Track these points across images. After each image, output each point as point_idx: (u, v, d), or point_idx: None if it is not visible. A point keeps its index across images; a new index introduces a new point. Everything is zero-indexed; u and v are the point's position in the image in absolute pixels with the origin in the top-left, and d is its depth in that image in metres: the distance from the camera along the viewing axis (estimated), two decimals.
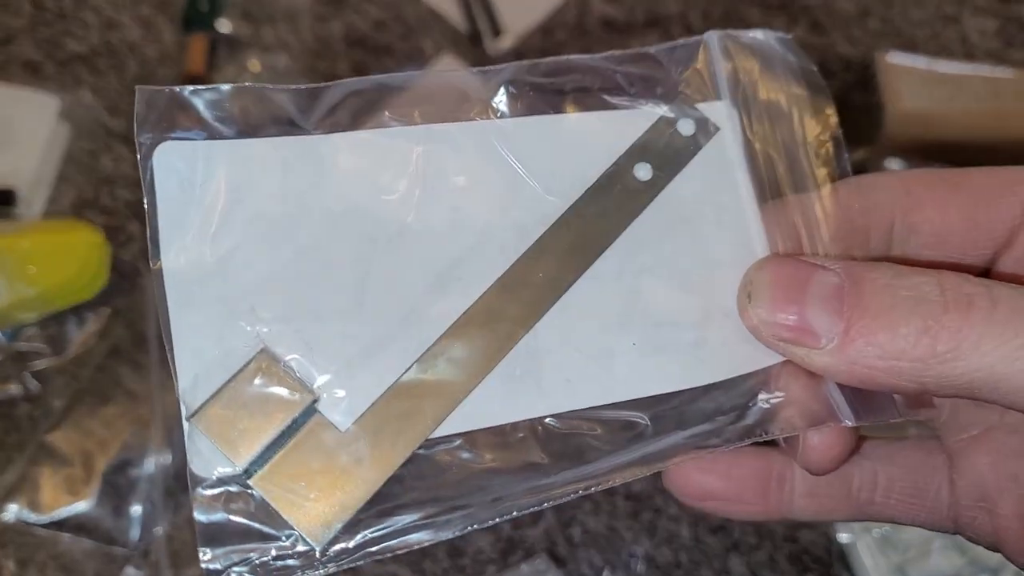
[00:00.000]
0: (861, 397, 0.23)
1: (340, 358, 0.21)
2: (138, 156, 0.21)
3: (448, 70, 0.23)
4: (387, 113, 0.23)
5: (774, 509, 0.25)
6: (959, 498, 0.25)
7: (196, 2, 0.58)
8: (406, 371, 0.21)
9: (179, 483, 0.45)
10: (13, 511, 0.42)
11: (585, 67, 0.24)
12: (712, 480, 0.25)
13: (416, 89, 0.23)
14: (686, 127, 0.25)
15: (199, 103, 0.22)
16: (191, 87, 0.22)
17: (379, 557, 0.20)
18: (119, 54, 0.57)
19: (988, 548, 0.25)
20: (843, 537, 0.45)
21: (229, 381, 0.20)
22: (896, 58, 0.52)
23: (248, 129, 0.22)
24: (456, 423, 0.21)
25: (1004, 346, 0.19)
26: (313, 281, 0.21)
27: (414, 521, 0.21)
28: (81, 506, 0.43)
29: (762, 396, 0.23)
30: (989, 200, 0.23)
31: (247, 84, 0.22)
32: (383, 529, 0.20)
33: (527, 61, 0.24)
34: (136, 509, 0.44)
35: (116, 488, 0.44)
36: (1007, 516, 0.24)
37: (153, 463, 0.45)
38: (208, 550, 0.19)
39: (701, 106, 0.25)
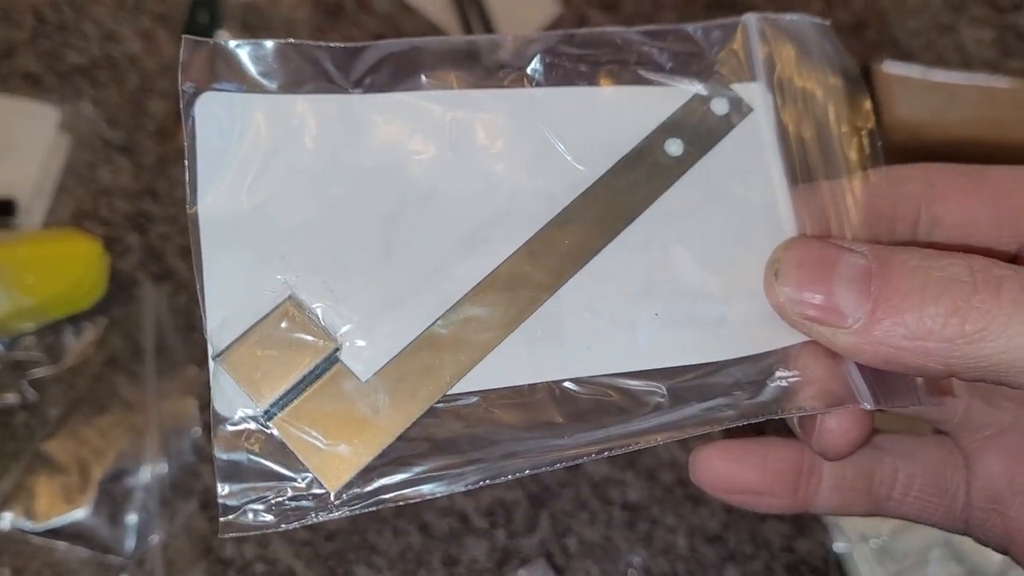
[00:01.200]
0: (881, 381, 0.23)
1: (364, 310, 0.21)
2: (181, 104, 0.22)
3: (484, 36, 0.23)
4: (424, 77, 0.23)
5: (799, 503, 0.25)
6: (972, 499, 0.25)
7: (196, 14, 0.58)
8: (428, 327, 0.21)
9: (175, 492, 0.45)
10: (9, 519, 0.42)
11: (621, 40, 0.25)
12: (745, 472, 0.25)
13: (453, 54, 0.23)
14: (720, 106, 0.25)
15: (242, 57, 0.22)
16: (235, 41, 0.22)
17: (391, 504, 0.20)
18: (119, 66, 0.57)
19: (997, 550, 0.25)
20: (839, 547, 0.45)
21: (256, 325, 0.21)
22: (891, 67, 0.53)
23: (288, 85, 0.22)
24: (475, 380, 0.22)
25: None
26: (342, 235, 0.22)
27: (427, 472, 0.21)
28: (77, 515, 0.43)
29: (780, 374, 0.23)
30: (1013, 195, 0.23)
31: (290, 40, 0.22)
32: (397, 478, 0.21)
33: (563, 31, 0.24)
34: (132, 518, 0.44)
35: (112, 497, 0.44)
36: (1018, 519, 0.24)
37: (149, 472, 0.45)
38: (226, 485, 0.20)
39: (736, 86, 0.25)
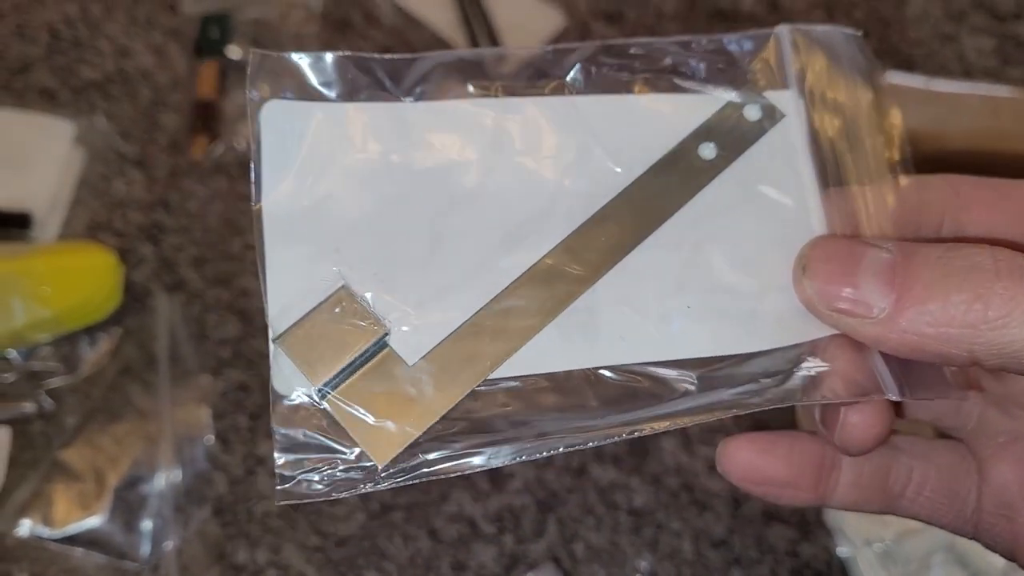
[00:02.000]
0: (908, 372, 0.23)
1: (412, 300, 0.23)
2: (248, 110, 0.23)
3: (526, 48, 0.25)
4: (470, 86, 0.25)
5: (819, 496, 0.26)
6: (983, 504, 0.25)
7: (207, 30, 0.59)
8: (471, 316, 0.23)
9: (188, 498, 0.46)
10: (27, 526, 0.43)
11: (656, 51, 0.26)
12: (772, 464, 0.25)
13: (497, 64, 0.25)
14: (752, 112, 0.26)
15: (304, 68, 0.24)
16: (298, 54, 0.24)
17: (433, 478, 0.22)
18: (132, 81, 0.58)
19: (1004, 556, 0.25)
20: (843, 551, 0.45)
21: (312, 311, 0.22)
22: (893, 77, 0.53)
23: (345, 94, 0.24)
24: (514, 367, 0.23)
25: None
26: (393, 231, 0.23)
27: (466, 448, 0.22)
28: (93, 521, 0.44)
29: (807, 364, 0.24)
30: None
31: (347, 53, 0.24)
32: (438, 453, 0.22)
33: (600, 41, 0.25)
34: (147, 524, 0.45)
35: (127, 504, 0.45)
36: None
37: (163, 479, 0.45)
38: (283, 457, 0.21)
39: (768, 94, 0.26)
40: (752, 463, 0.25)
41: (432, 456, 0.22)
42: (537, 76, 0.25)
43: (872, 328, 0.22)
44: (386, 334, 0.23)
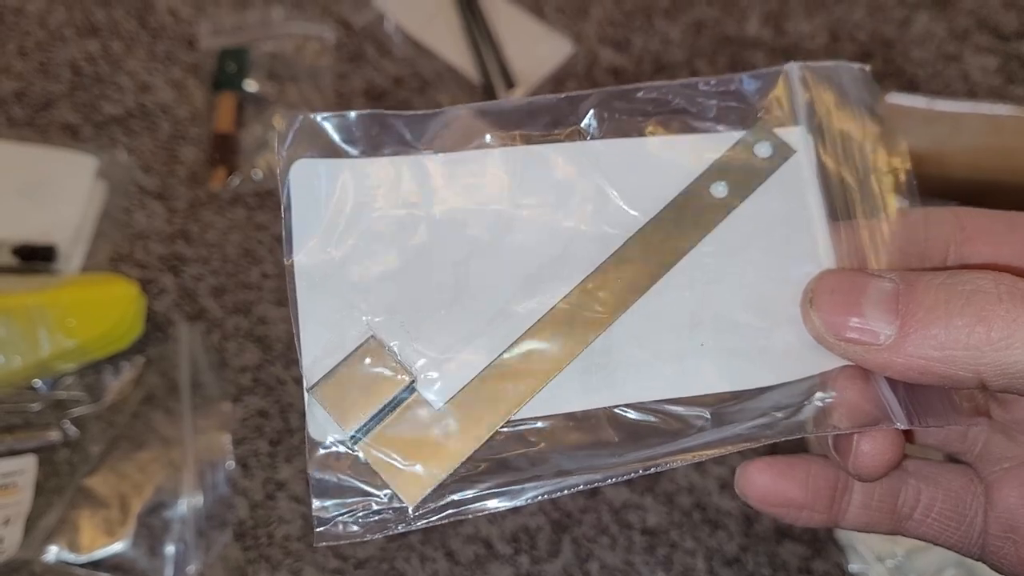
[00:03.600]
0: (915, 400, 0.24)
1: (437, 346, 0.24)
2: (278, 170, 0.25)
3: (541, 97, 0.26)
4: (488, 136, 0.26)
5: (832, 518, 0.27)
6: (989, 527, 0.26)
7: (225, 64, 0.61)
8: (494, 360, 0.24)
9: (210, 523, 0.47)
10: (54, 552, 0.44)
11: (667, 92, 0.27)
12: (791, 487, 0.26)
13: (512, 113, 0.26)
14: (763, 150, 0.27)
15: (328, 127, 0.25)
16: (323, 114, 0.25)
17: (460, 518, 0.23)
18: (152, 115, 0.60)
19: None
20: (855, 568, 0.45)
21: (343, 361, 0.23)
22: (895, 98, 0.54)
23: (369, 149, 0.25)
24: (536, 407, 0.24)
25: None
26: (417, 281, 0.25)
27: (492, 488, 0.23)
28: (118, 547, 0.45)
29: (817, 396, 0.25)
30: None
31: (369, 111, 0.25)
32: (466, 493, 0.23)
33: (613, 88, 0.26)
34: (170, 549, 0.46)
35: (151, 529, 0.46)
36: None
37: (185, 505, 0.46)
38: (319, 501, 0.23)
39: (778, 131, 0.27)
40: (770, 486, 0.26)
41: (459, 496, 0.23)
42: (553, 124, 0.26)
43: (879, 355, 0.22)
44: (413, 381, 0.24)
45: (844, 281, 0.24)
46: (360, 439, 0.23)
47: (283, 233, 0.24)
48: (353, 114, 0.25)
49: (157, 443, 0.48)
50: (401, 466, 0.23)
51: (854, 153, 0.27)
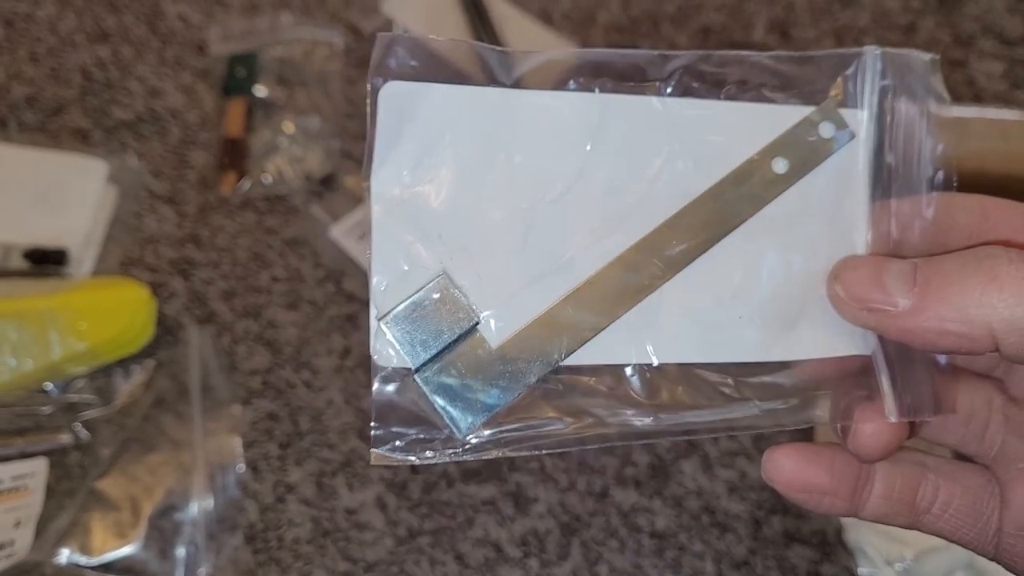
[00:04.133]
0: (907, 392, 0.26)
1: (501, 289, 0.25)
2: (368, 87, 0.25)
3: (633, 51, 0.26)
4: (572, 82, 0.26)
5: (853, 506, 0.27)
6: (1004, 526, 0.26)
7: (234, 69, 0.61)
8: (550, 308, 0.25)
9: (221, 526, 0.47)
10: (65, 554, 0.45)
11: (751, 63, 0.27)
12: (817, 473, 0.27)
13: (602, 62, 0.26)
14: (826, 130, 0.27)
15: (425, 49, 0.25)
16: (418, 36, 0.25)
17: (507, 454, 0.24)
18: (162, 120, 0.60)
19: None
20: (864, 571, 0.46)
21: (414, 295, 0.24)
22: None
23: (458, 78, 0.25)
24: (582, 356, 0.25)
25: None
26: (489, 221, 0.25)
27: (537, 429, 0.25)
28: (129, 549, 0.45)
29: (823, 389, 0.27)
30: None
31: (463, 39, 0.25)
32: (514, 431, 0.25)
33: (702, 51, 0.27)
34: (180, 551, 0.46)
35: (161, 532, 0.46)
36: None
37: (196, 507, 0.47)
38: (378, 425, 0.24)
39: (844, 112, 0.27)
40: (798, 471, 0.27)
41: (508, 433, 0.25)
42: (640, 78, 0.26)
43: (898, 320, 0.24)
44: (477, 322, 0.25)
45: (867, 261, 0.26)
46: (421, 371, 0.24)
47: (365, 153, 0.24)
48: (443, 39, 0.25)
49: (167, 446, 0.48)
50: (457, 399, 0.24)
51: (908, 141, 0.27)
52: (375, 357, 0.24)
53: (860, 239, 0.27)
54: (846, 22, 0.66)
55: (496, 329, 0.25)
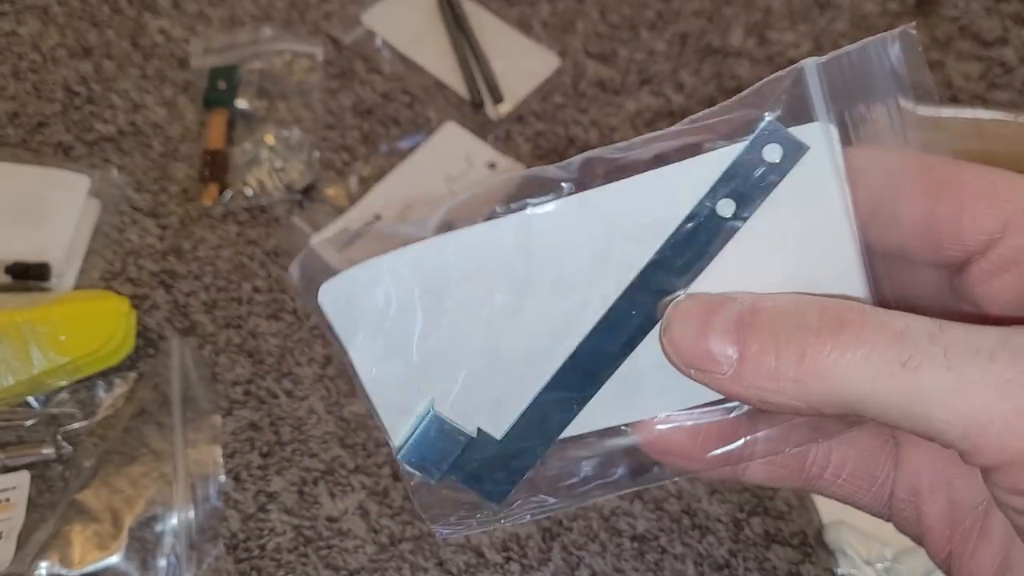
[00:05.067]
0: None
1: (490, 397, 0.27)
2: (310, 307, 0.27)
3: (535, 169, 0.26)
4: (497, 207, 0.26)
5: (733, 471, 0.27)
6: (895, 489, 0.26)
7: (215, 82, 0.62)
8: (537, 395, 0.27)
9: (202, 536, 0.47)
10: (45, 567, 0.45)
11: (674, 136, 0.25)
12: (679, 437, 0.26)
13: (511, 186, 0.26)
14: (772, 153, 0.24)
15: (336, 250, 0.28)
16: (325, 238, 0.26)
17: (527, 520, 0.28)
18: (144, 133, 0.61)
19: (914, 540, 0.26)
20: (843, 571, 0.46)
21: (412, 432, 0.27)
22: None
23: (380, 251, 0.26)
24: (579, 426, 0.27)
25: (863, 366, 0.20)
26: (463, 350, 0.27)
27: (552, 495, 0.28)
28: (110, 560, 0.45)
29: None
30: (975, 207, 0.23)
31: (372, 224, 0.28)
32: (531, 502, 0.28)
33: (623, 143, 0.25)
34: (162, 563, 0.46)
35: (143, 543, 0.46)
36: (932, 516, 0.25)
37: (177, 518, 0.47)
38: (430, 519, 0.28)
39: (794, 129, 0.25)
40: (660, 435, 0.26)
41: (527, 505, 0.27)
42: (557, 185, 0.26)
43: (723, 384, 0.23)
44: (473, 437, 0.27)
45: (693, 307, 0.24)
46: (445, 478, 0.27)
47: (334, 347, 0.27)
48: (355, 227, 0.27)
49: (149, 457, 0.48)
50: (480, 483, 0.27)
51: (880, 133, 0.25)
52: (409, 483, 0.27)
53: (850, 248, 0.25)
54: (824, 25, 0.66)
55: (496, 425, 0.27)
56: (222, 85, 0.62)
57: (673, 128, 0.25)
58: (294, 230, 0.57)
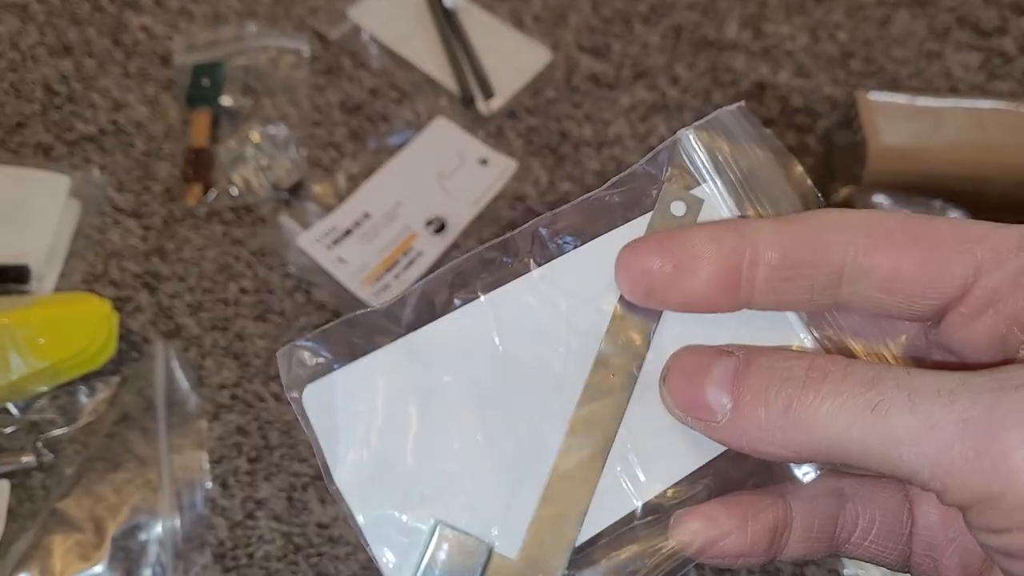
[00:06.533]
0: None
1: (498, 504, 0.25)
2: (293, 406, 0.25)
3: (476, 251, 0.27)
4: (456, 299, 0.26)
5: (772, 555, 0.26)
6: (913, 544, 0.26)
7: (199, 79, 0.60)
8: (543, 492, 0.25)
9: (188, 545, 0.45)
10: None
11: (581, 209, 0.27)
12: (730, 541, 0.25)
13: (476, 266, 0.27)
14: (678, 208, 0.27)
15: (312, 347, 0.26)
16: (302, 340, 0.26)
17: None
18: (126, 132, 0.59)
19: None
20: (849, 572, 0.44)
21: (421, 558, 0.25)
22: (876, 95, 0.53)
23: (359, 353, 0.26)
24: (589, 528, 0.25)
25: (839, 414, 0.21)
26: (453, 453, 0.25)
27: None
28: (93, 571, 0.44)
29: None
30: (945, 255, 0.23)
31: (337, 321, 0.26)
32: None
33: (549, 213, 0.27)
34: (147, 572, 0.44)
35: (127, 552, 0.45)
36: (950, 567, 0.25)
37: (162, 526, 0.45)
38: None
39: (695, 191, 0.27)
40: (710, 538, 0.25)
41: None
42: (512, 262, 0.27)
43: (718, 432, 0.23)
44: (491, 547, 0.25)
45: (692, 359, 0.25)
46: None
47: (318, 459, 0.25)
48: (330, 325, 0.26)
49: (133, 463, 0.47)
50: None
51: (758, 185, 0.27)
52: None
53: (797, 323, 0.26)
54: (820, 17, 0.65)
55: (509, 541, 0.25)
56: (206, 82, 0.60)
57: (575, 201, 0.27)
58: (281, 229, 0.55)
